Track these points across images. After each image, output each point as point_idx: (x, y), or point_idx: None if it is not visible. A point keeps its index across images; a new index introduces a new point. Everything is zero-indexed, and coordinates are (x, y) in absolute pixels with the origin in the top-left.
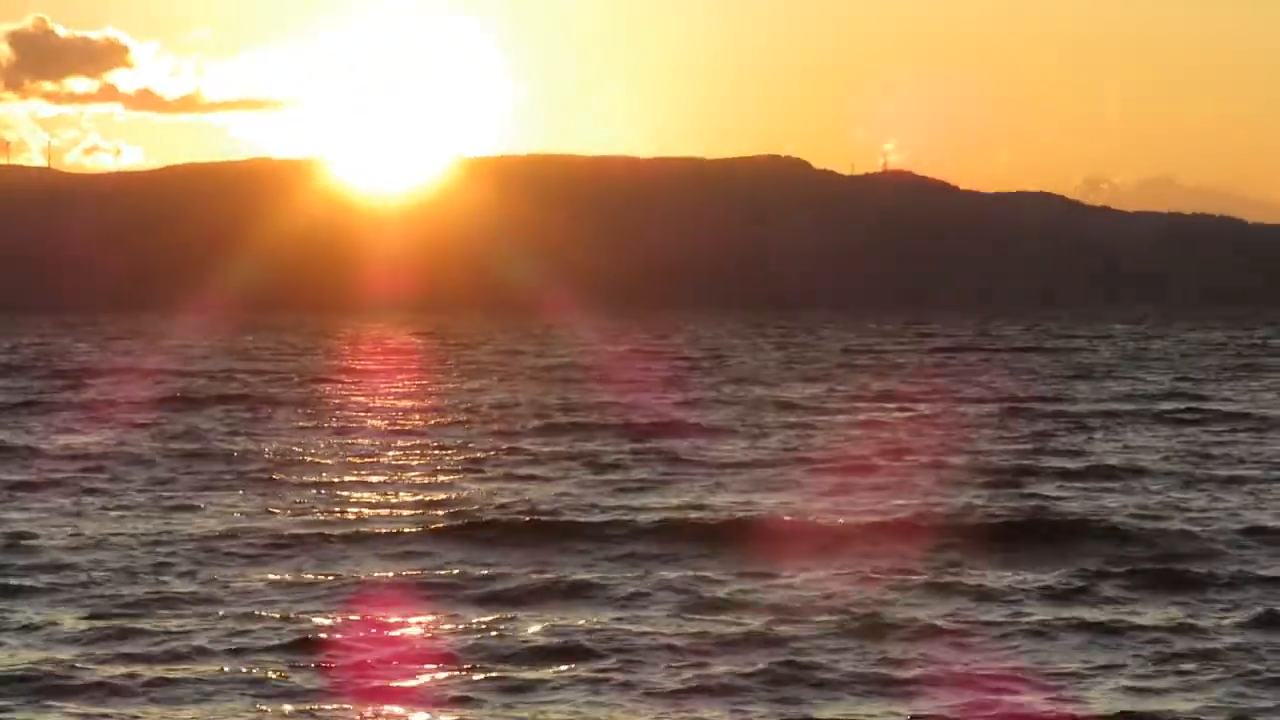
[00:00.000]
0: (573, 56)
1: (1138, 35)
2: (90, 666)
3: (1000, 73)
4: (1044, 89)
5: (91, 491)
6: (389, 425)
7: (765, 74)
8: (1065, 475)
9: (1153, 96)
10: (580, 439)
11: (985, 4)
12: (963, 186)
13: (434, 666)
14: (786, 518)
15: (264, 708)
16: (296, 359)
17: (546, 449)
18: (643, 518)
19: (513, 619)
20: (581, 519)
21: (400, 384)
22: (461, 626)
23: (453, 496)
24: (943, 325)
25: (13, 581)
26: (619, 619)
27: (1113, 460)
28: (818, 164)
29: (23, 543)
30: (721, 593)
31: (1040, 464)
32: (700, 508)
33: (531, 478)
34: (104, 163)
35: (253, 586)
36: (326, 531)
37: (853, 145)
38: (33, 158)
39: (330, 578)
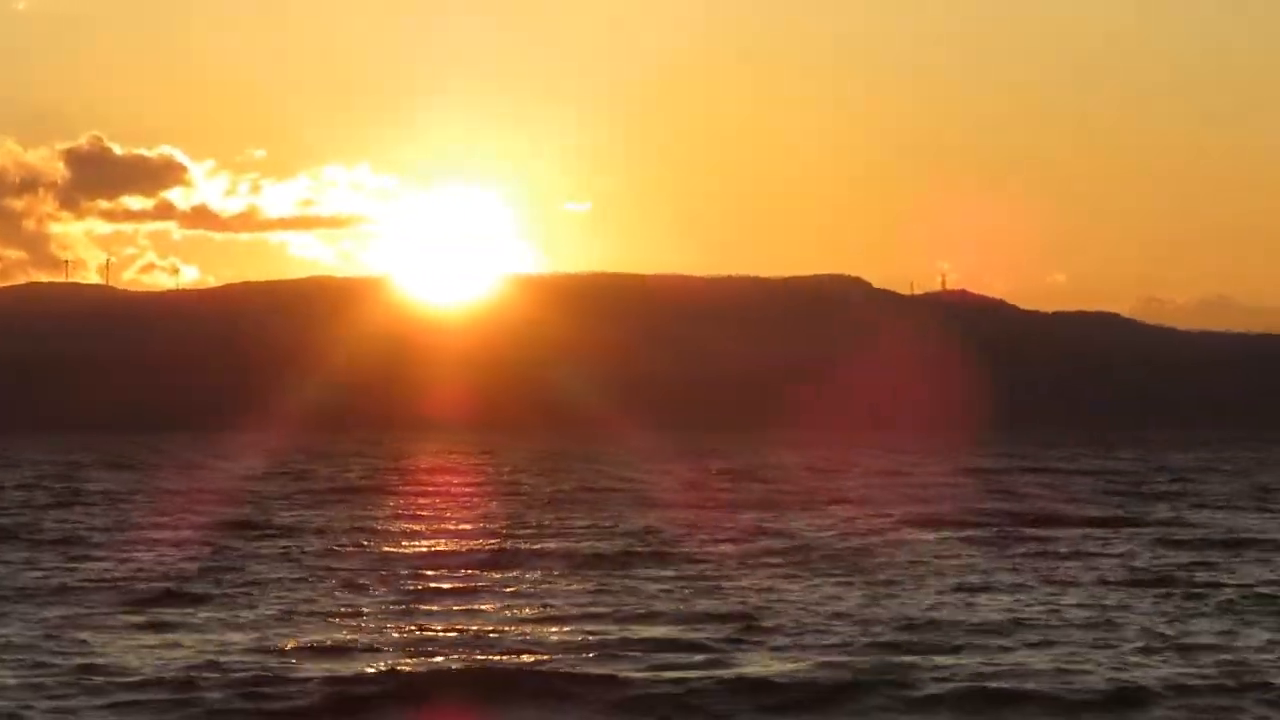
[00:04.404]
0: (632, 175)
1: (1192, 156)
2: None
3: (1056, 193)
4: (1099, 209)
5: None
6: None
7: (824, 194)
8: None
9: (1209, 216)
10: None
11: (1040, 127)
12: (1021, 306)
13: None
14: None
15: None
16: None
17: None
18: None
19: None
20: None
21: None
22: None
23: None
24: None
25: None
26: None
27: None
28: (877, 283)
29: None
30: None
31: None
32: None
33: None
34: (160, 280)
35: None
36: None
37: (911, 264)
38: (90, 276)
39: None
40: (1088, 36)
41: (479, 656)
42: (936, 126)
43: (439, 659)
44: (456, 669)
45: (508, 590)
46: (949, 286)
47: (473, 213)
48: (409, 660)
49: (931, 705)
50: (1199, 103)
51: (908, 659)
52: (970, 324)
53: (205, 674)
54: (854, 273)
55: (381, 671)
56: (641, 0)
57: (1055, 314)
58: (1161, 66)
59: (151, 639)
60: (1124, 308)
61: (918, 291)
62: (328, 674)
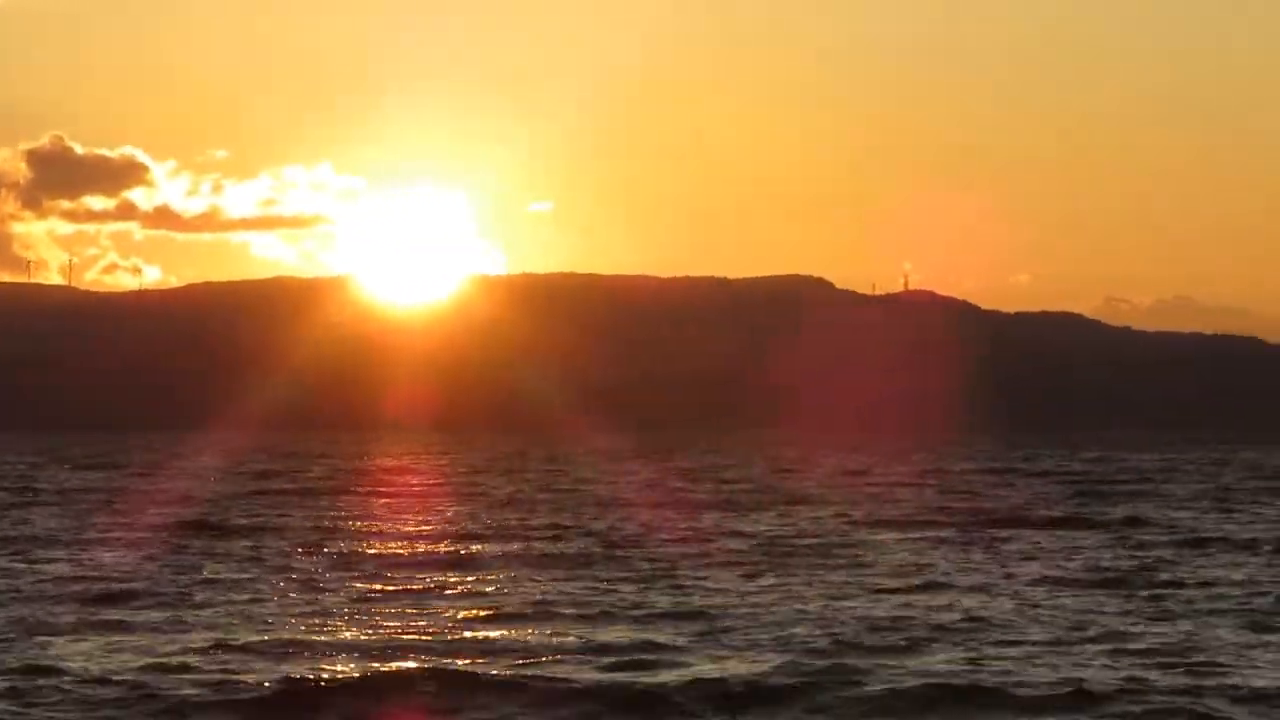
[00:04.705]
0: (595, 176)
1: (1153, 159)
2: None
3: (1019, 195)
4: (1062, 211)
5: None
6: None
7: (786, 194)
8: None
9: (1169, 218)
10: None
11: (1004, 129)
12: (984, 306)
13: None
14: None
15: None
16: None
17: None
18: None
19: None
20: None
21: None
22: None
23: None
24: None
25: None
26: None
27: None
28: (840, 284)
29: None
30: None
31: None
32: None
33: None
34: (123, 280)
35: None
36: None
37: (874, 265)
38: (52, 276)
39: None
40: (1051, 40)
41: (436, 657)
42: (900, 128)
43: (396, 659)
44: (413, 669)
45: (465, 591)
46: (912, 287)
47: (435, 213)
48: (366, 661)
49: (890, 703)
50: (1162, 106)
51: (867, 658)
52: (933, 324)
53: (161, 673)
54: (817, 273)
55: (338, 672)
56: (606, 2)
57: (1018, 314)
58: (1124, 70)
59: (108, 638)
60: (1086, 308)
61: (880, 292)
62: (284, 674)
